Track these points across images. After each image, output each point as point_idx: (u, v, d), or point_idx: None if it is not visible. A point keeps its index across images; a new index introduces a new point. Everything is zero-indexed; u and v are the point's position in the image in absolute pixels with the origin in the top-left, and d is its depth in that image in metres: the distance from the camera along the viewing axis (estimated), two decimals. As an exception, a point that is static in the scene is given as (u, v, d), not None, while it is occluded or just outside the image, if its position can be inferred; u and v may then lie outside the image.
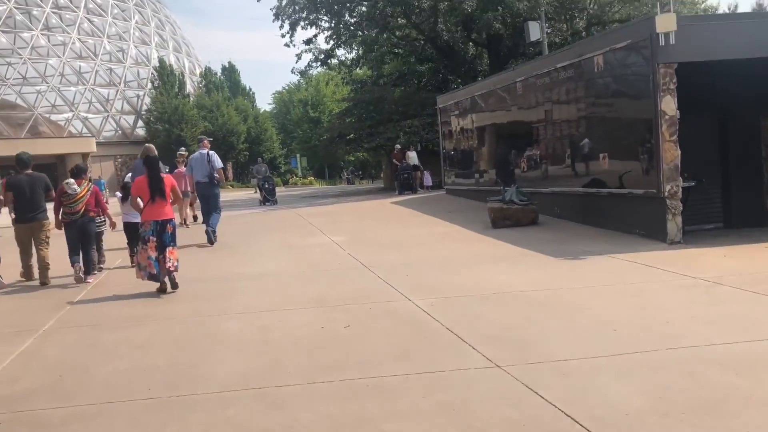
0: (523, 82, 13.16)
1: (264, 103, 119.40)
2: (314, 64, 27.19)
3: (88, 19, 51.36)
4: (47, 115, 47.80)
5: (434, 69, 27.12)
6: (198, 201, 12.91)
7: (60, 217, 8.35)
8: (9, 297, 7.77)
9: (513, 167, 13.94)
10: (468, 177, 17.24)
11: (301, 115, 60.23)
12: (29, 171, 8.68)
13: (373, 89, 26.57)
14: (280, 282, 7.50)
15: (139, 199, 7.49)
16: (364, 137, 24.64)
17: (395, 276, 7.30)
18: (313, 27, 26.24)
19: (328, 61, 27.36)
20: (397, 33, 26.45)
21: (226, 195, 26.00)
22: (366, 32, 24.69)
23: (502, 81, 14.63)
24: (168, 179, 7.64)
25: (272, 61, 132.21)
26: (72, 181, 8.22)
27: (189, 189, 13.91)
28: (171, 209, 7.49)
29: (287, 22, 25.47)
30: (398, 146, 22.44)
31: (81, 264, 8.07)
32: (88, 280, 8.09)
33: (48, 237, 8.57)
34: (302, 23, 25.82)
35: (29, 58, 48.06)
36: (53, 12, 49.21)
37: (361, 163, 57.55)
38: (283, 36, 25.30)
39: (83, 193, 8.22)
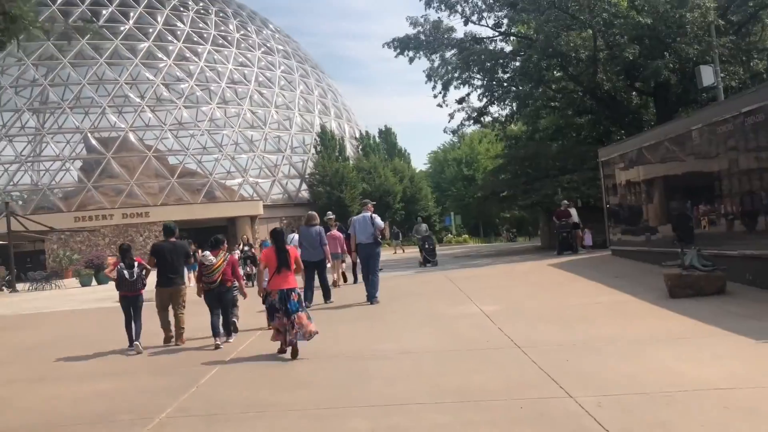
0: (701, 130, 11.59)
1: (419, 162, 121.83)
2: (467, 123, 26.82)
3: (258, 92, 55.39)
4: (222, 181, 51.60)
5: (594, 121, 25.56)
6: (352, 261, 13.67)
7: (200, 285, 8.93)
8: (142, 363, 7.91)
9: (691, 224, 12.23)
10: (637, 235, 15.55)
11: (455, 173, 60.18)
12: (173, 239, 9.51)
13: (528, 145, 25.56)
14: (419, 364, 6.67)
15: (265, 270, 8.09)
16: (519, 194, 23.56)
17: (553, 360, 6.20)
18: (466, 86, 25.94)
19: (481, 118, 26.82)
20: (553, 86, 25.40)
21: (384, 254, 25.70)
22: (520, 87, 23.89)
23: (674, 129, 13.08)
24: (292, 251, 8.07)
25: (428, 122, 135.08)
26: (208, 253, 8.89)
27: (340, 251, 14.98)
28: (294, 279, 7.88)
29: (440, 82, 25.40)
30: (565, 202, 20.89)
31: (221, 329, 8.71)
32: (230, 341, 8.76)
33: (184, 301, 9.26)
34: (455, 83, 25.61)
35: (207, 129, 52.52)
36: (228, 87, 53.67)
37: (517, 220, 55.94)
38: (435, 96, 25.22)
39: (219, 263, 8.80)
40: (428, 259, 20.31)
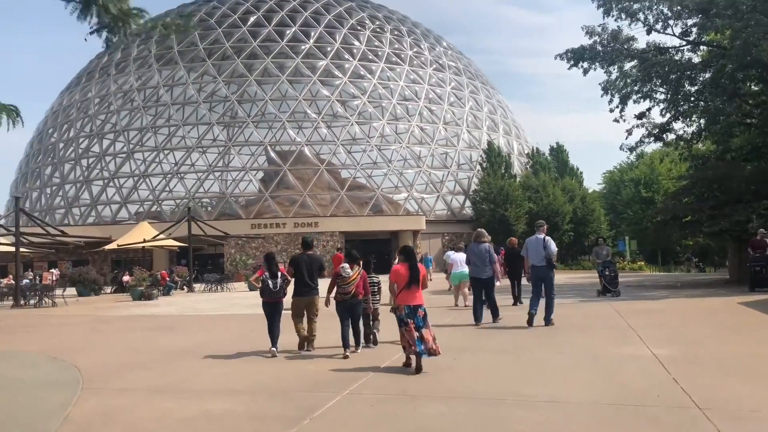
0: None
1: (592, 182, 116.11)
2: (647, 140, 24.53)
3: (428, 108, 55.74)
4: (389, 195, 52.42)
5: (799, 141, 22.28)
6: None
7: (335, 295, 9.41)
8: (268, 378, 7.80)
9: None
10: None
11: (632, 195, 56.19)
12: (310, 252, 10.11)
13: (718, 165, 22.78)
14: (569, 422, 5.46)
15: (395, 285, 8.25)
16: (704, 220, 20.99)
17: None
18: (646, 100, 23.83)
19: (663, 135, 24.46)
20: (750, 101, 22.49)
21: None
22: (710, 102, 21.36)
23: None
24: (422, 269, 8.29)
25: (603, 141, 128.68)
26: (347, 265, 9.41)
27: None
28: (422, 296, 8.20)
29: (617, 96, 23.52)
30: (762, 231, 18.27)
31: (351, 341, 9.20)
32: (357, 351, 9.31)
33: (317, 311, 9.82)
34: (634, 96, 23.62)
35: (377, 145, 53.72)
36: (399, 103, 54.57)
37: (701, 248, 50.87)
38: (612, 111, 23.36)
39: (354, 276, 9.34)
40: (609, 288, 17.85)
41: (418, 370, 7.57)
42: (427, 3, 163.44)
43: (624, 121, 24.20)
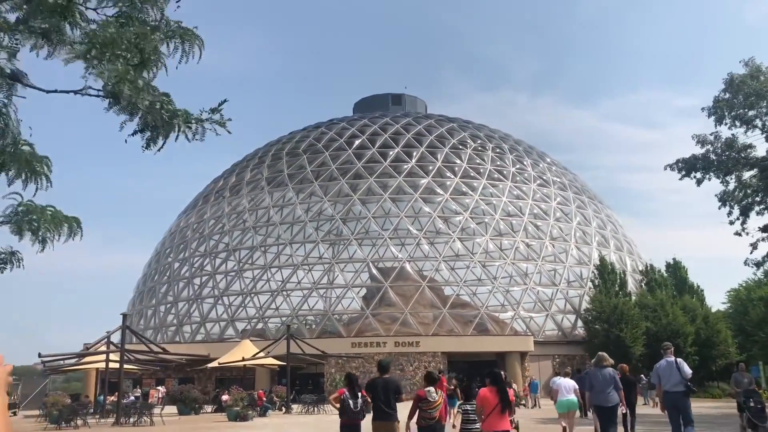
0: None
1: (716, 301, 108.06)
2: (776, 254, 22.30)
3: (533, 224, 54.61)
4: (495, 314, 50.63)
5: None
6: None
7: (417, 421, 9.10)
8: None
9: None
10: None
11: (762, 314, 51.12)
12: (387, 375, 9.84)
13: None
14: None
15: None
16: None
17: None
18: (772, 210, 21.88)
19: (795, 249, 22.18)
20: None
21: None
22: None
23: None
24: (510, 393, 8.40)
25: (724, 257, 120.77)
26: (432, 389, 9.13)
27: None
28: (508, 422, 8.05)
29: (737, 207, 21.78)
30: None
31: None
32: None
33: None
34: (757, 208, 21.79)
35: (480, 261, 52.72)
36: (502, 219, 53.87)
37: None
38: (731, 223, 21.57)
39: (440, 400, 9.14)
40: (756, 422, 14.93)
41: None
42: (529, 123, 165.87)
43: (747, 234, 22.25)
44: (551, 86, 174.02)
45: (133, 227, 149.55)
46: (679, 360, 11.27)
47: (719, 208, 21.56)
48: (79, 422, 21.15)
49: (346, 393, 9.67)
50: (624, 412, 12.25)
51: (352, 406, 9.45)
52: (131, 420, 21.89)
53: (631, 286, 52.99)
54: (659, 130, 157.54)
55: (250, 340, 38.08)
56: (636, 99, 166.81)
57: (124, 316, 21.62)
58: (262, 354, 28.73)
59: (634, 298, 50.02)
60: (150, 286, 59.40)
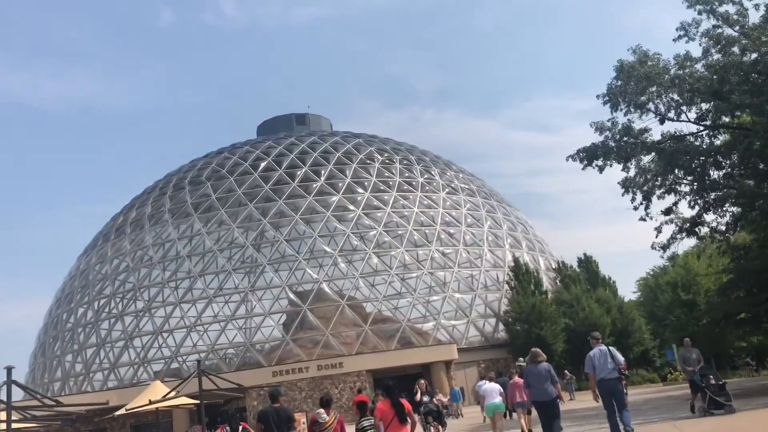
0: None
1: (627, 291, 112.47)
2: (679, 236, 22.66)
3: (446, 231, 54.64)
4: (417, 326, 50.12)
5: None
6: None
7: None
8: None
9: None
10: None
11: (671, 299, 53.11)
12: (277, 405, 9.73)
13: (763, 253, 20.68)
14: None
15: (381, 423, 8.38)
16: (762, 315, 18.63)
17: None
18: (671, 194, 22.28)
19: (695, 229, 22.62)
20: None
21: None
22: (743, 186, 19.48)
23: None
24: (406, 404, 8.33)
25: (631, 250, 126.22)
26: (322, 411, 9.30)
27: (525, 399, 14.05)
28: (409, 430, 8.25)
29: (639, 193, 22.03)
30: None
31: None
32: None
33: None
34: (657, 192, 22.12)
35: (398, 274, 52.17)
36: (415, 230, 53.62)
37: (755, 349, 46.98)
38: (636, 209, 21.76)
39: (330, 421, 9.24)
40: (718, 400, 13.78)
41: None
42: (437, 136, 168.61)
43: (651, 218, 22.57)
44: (455, 99, 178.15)
45: (33, 277, 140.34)
46: (611, 348, 11.50)
47: (622, 195, 21.78)
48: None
49: (227, 428, 10.29)
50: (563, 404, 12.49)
51: None
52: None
53: (547, 284, 53.82)
54: (558, 134, 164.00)
55: (164, 381, 35.63)
56: (534, 106, 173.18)
57: (8, 369, 19.37)
58: (172, 394, 26.67)
59: (550, 295, 50.77)
60: (52, 335, 55.31)
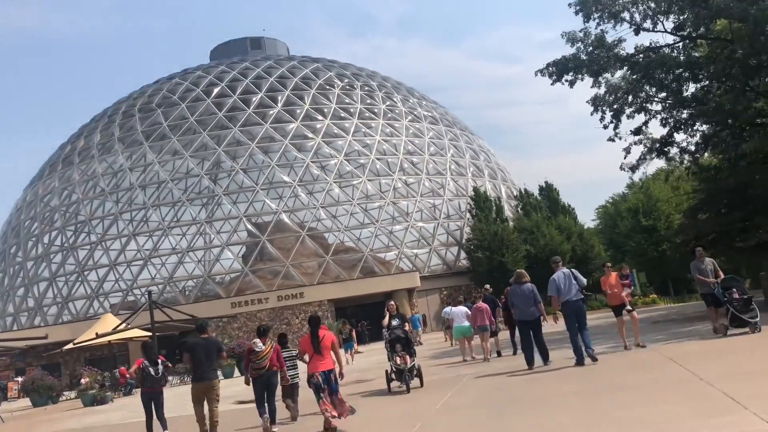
0: None
1: (586, 220, 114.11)
2: (648, 157, 21.91)
3: (409, 160, 53.48)
4: (380, 255, 49.55)
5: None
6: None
7: (249, 372, 9.49)
8: None
9: None
10: None
11: (631, 225, 53.47)
12: (205, 335, 9.78)
13: (737, 172, 19.99)
14: None
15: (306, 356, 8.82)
16: (734, 234, 18.12)
17: None
18: (642, 113, 21.36)
19: (665, 149, 21.87)
20: (762, 99, 19.90)
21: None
22: (720, 100, 18.50)
23: None
24: (328, 336, 8.73)
25: (592, 180, 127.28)
26: (258, 341, 9.36)
27: (488, 323, 14.93)
28: (332, 361, 8.62)
29: (608, 112, 21.03)
30: None
31: (267, 415, 9.16)
32: (274, 430, 9.12)
33: (218, 395, 9.43)
34: (627, 111, 21.17)
35: (359, 204, 51.17)
36: (378, 159, 52.28)
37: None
38: (605, 127, 20.80)
39: (267, 350, 9.32)
40: (742, 318, 12.02)
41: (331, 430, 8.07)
42: (401, 67, 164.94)
43: (620, 138, 21.71)
44: (418, 29, 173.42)
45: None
46: (574, 270, 11.58)
47: (591, 114, 20.73)
48: None
49: (145, 362, 9.71)
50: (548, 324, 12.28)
51: (153, 373, 9.57)
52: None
53: (508, 212, 53.53)
54: (521, 64, 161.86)
55: (118, 315, 34.49)
56: (498, 36, 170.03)
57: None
58: (122, 326, 25.56)
59: (512, 223, 50.53)
60: (0, 269, 53.11)
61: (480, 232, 46.46)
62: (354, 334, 27.31)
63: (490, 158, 61.52)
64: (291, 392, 10.13)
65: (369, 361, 22.20)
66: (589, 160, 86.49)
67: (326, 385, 8.37)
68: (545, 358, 11.83)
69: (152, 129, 52.30)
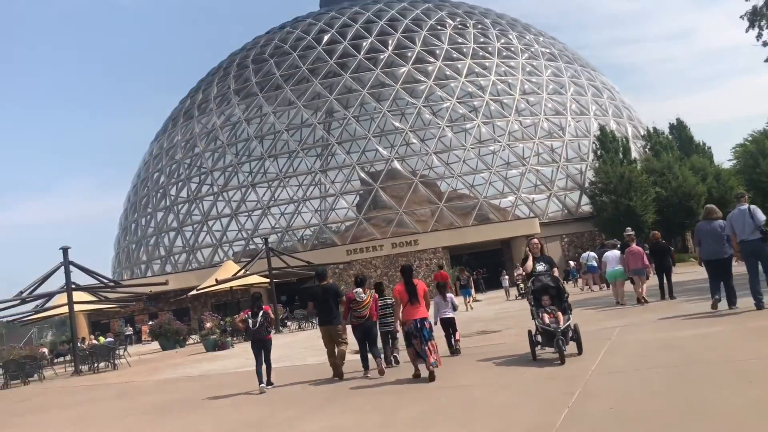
0: None
1: (722, 160, 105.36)
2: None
3: (526, 100, 50.80)
4: (495, 202, 47.85)
5: None
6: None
7: (350, 320, 9.55)
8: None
9: None
10: None
11: (778, 163, 48.19)
12: (324, 282, 10.07)
13: None
14: None
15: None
16: None
17: None
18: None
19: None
20: None
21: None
22: None
23: None
24: (420, 285, 8.74)
25: (722, 120, 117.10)
26: (360, 290, 9.41)
27: (645, 266, 14.45)
28: (425, 309, 8.61)
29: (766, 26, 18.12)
30: None
31: (380, 358, 9.24)
32: (368, 375, 9.10)
33: (343, 338, 9.67)
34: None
35: (472, 149, 49.41)
36: (492, 100, 50.01)
37: None
38: (765, 44, 17.93)
39: (368, 300, 9.44)
40: None
41: (432, 378, 7.92)
42: (512, 6, 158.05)
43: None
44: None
45: (124, 170, 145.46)
46: (753, 207, 10.26)
47: (746, 31, 17.87)
48: (36, 377, 18.60)
49: (248, 313, 9.90)
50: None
51: (250, 325, 9.73)
52: (96, 365, 19.23)
53: (635, 153, 49.76)
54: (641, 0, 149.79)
55: (239, 262, 35.38)
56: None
57: (64, 250, 18.60)
58: (240, 273, 25.95)
59: (639, 165, 46.93)
60: (131, 221, 56.41)
61: (605, 175, 43.42)
62: (471, 281, 26.20)
63: (614, 95, 57.36)
64: (387, 340, 10.15)
65: (490, 310, 21.05)
66: (722, 97, 79.10)
67: (418, 333, 8.25)
68: (732, 302, 10.61)
69: (266, 80, 52.71)
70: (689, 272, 23.41)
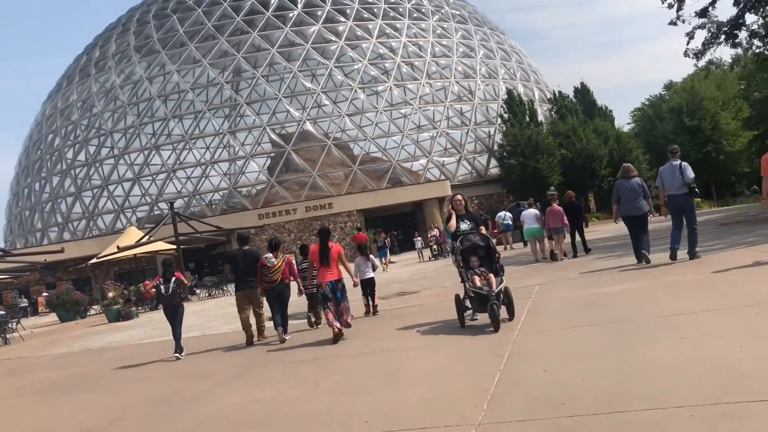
0: None
1: (621, 124, 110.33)
2: (716, 42, 19.53)
3: (436, 62, 50.76)
4: (407, 165, 47.88)
5: None
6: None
7: (261, 285, 9.50)
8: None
9: None
10: None
11: (672, 127, 50.75)
12: (246, 247, 10.07)
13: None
14: None
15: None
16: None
17: None
18: (710, -10, 18.87)
19: (734, 32, 19.43)
20: None
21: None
22: None
23: None
24: (335, 248, 8.73)
25: (621, 85, 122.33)
26: (270, 255, 9.41)
27: (565, 225, 14.81)
28: (339, 272, 8.61)
29: (672, -10, 18.57)
30: None
31: (281, 327, 9.21)
32: (286, 336, 9.16)
33: (261, 303, 9.78)
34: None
35: (384, 112, 49.06)
36: (403, 62, 49.70)
37: (757, 176, 45.56)
38: (670, 6, 18.41)
39: (279, 264, 9.42)
40: None
41: (336, 340, 8.02)
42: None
43: (682, 22, 19.34)
44: None
45: (13, 132, 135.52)
46: (684, 163, 10.47)
47: (659, -7, 18.21)
48: None
49: (160, 278, 9.65)
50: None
51: (163, 291, 9.46)
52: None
53: (541, 116, 51.01)
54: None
55: (143, 228, 33.72)
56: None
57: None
58: (144, 239, 24.65)
59: (546, 127, 48.16)
60: (24, 186, 52.69)
61: (513, 138, 44.31)
62: (388, 242, 26.17)
63: (522, 59, 58.32)
64: (312, 301, 10.21)
65: (406, 271, 20.99)
66: (621, 63, 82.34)
67: (332, 295, 8.35)
68: (641, 258, 10.98)
69: (169, 36, 50.01)
70: (595, 230, 24.26)
